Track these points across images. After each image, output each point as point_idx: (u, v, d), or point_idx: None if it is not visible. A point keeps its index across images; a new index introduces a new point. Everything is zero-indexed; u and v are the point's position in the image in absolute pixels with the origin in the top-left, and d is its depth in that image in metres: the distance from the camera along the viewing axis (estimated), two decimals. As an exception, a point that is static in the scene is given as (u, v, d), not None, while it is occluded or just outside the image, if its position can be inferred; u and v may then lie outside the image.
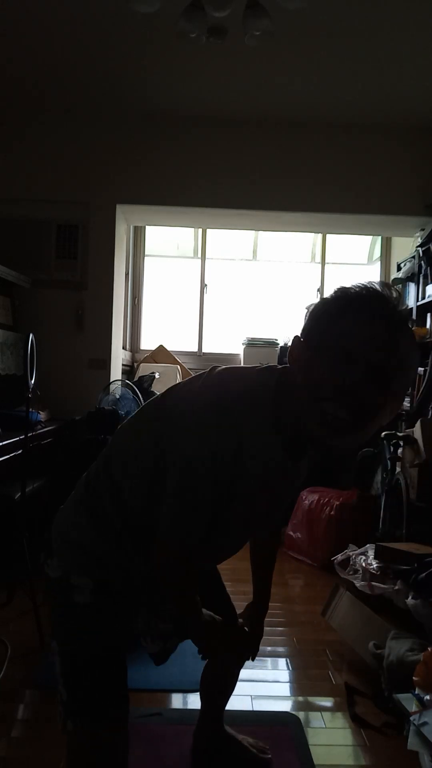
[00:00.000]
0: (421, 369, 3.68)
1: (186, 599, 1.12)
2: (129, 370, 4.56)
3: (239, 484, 0.99)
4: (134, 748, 1.68)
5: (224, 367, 1.05)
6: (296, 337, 0.97)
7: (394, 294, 0.92)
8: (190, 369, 4.44)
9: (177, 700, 1.92)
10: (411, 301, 3.99)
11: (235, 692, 1.59)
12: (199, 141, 3.66)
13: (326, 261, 4.83)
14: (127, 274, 4.41)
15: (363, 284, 0.93)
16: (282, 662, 2.23)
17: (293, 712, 1.88)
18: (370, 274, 4.91)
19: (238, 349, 4.58)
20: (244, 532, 1.19)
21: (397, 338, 0.89)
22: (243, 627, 1.36)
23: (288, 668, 2.19)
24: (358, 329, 0.89)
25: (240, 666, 1.50)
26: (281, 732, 1.76)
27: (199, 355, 4.79)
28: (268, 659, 2.22)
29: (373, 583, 2.22)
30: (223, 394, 0.97)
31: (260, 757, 1.59)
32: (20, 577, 2.47)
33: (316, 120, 3.70)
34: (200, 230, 4.77)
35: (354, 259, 5.01)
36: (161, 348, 4.53)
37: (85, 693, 1.14)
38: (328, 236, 4.79)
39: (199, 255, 4.81)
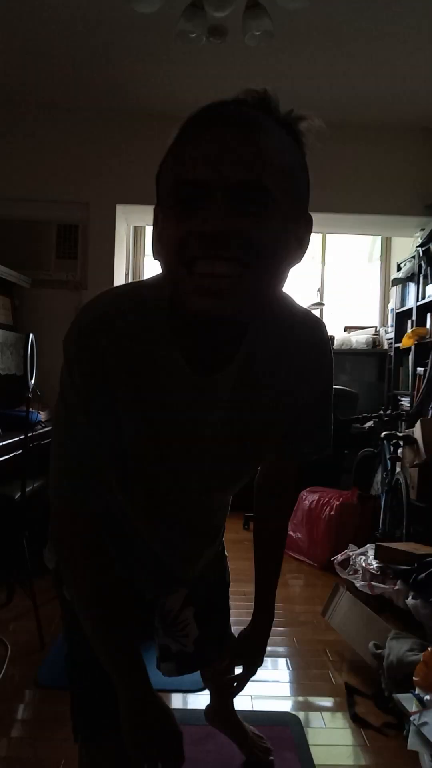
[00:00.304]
0: (420, 369, 3.68)
1: (92, 593, 0.82)
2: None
3: (135, 414, 0.79)
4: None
5: None
6: (155, 210, 0.75)
7: (254, 96, 0.71)
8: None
9: (177, 700, 1.92)
10: (411, 301, 4.00)
11: (235, 692, 1.59)
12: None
13: (326, 261, 4.84)
14: (127, 274, 4.41)
15: None
16: (282, 662, 2.22)
17: (293, 712, 1.88)
18: (370, 275, 4.91)
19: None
20: (186, 488, 0.89)
21: (219, 127, 0.66)
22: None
23: (288, 668, 2.19)
24: (179, 142, 0.69)
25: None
26: (281, 732, 1.76)
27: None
28: (268, 659, 2.22)
29: (373, 583, 2.22)
30: (84, 312, 0.78)
31: (263, 760, 1.57)
32: (20, 577, 2.47)
33: (316, 120, 3.70)
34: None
35: (354, 259, 5.02)
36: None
37: (83, 702, 0.98)
38: (328, 236, 4.79)
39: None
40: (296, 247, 0.73)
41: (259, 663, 1.17)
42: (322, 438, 0.94)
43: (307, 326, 0.86)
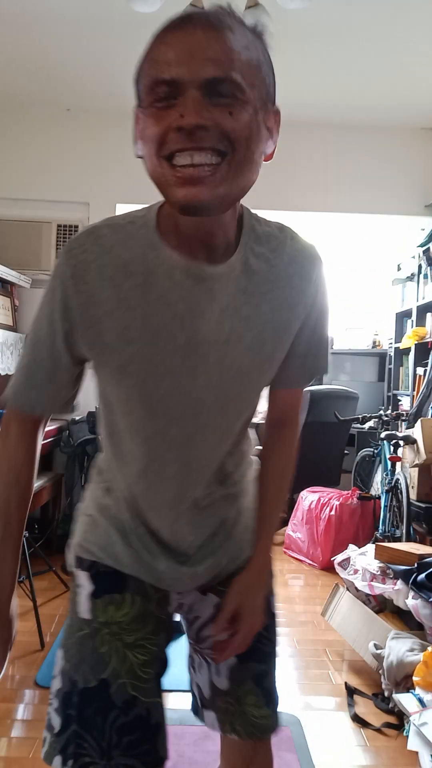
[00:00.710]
0: (420, 369, 3.69)
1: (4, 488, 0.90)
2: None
3: (131, 320, 0.79)
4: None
5: None
6: (135, 110, 0.78)
7: (220, 7, 0.74)
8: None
9: (177, 700, 1.92)
10: (411, 302, 4.00)
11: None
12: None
13: (326, 261, 4.83)
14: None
15: None
16: (282, 662, 2.22)
17: (293, 712, 1.88)
18: (370, 275, 4.91)
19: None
20: (183, 407, 0.84)
21: (188, 29, 0.70)
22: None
23: (288, 668, 2.19)
24: (154, 47, 0.73)
25: None
26: (281, 732, 1.76)
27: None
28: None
29: (373, 583, 2.22)
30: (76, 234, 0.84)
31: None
32: (20, 577, 2.47)
33: (316, 120, 3.71)
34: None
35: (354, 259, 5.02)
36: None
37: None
38: (328, 236, 4.79)
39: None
40: (267, 137, 0.77)
41: (255, 617, 0.95)
42: (321, 359, 0.95)
43: (301, 244, 0.89)
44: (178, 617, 1.02)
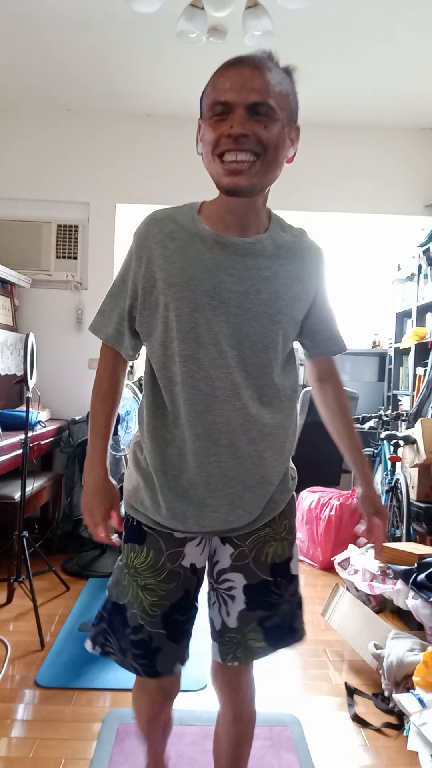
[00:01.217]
0: (420, 369, 3.69)
1: (95, 396, 1.22)
2: (129, 371, 4.56)
3: (166, 269, 1.09)
4: (134, 747, 1.68)
5: None
6: (198, 122, 1.10)
7: (264, 53, 1.08)
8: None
9: (176, 700, 1.92)
10: (411, 302, 4.00)
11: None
12: (199, 141, 3.66)
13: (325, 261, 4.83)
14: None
15: None
16: (282, 662, 2.23)
17: (293, 712, 1.88)
18: (370, 275, 4.91)
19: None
20: (208, 336, 1.08)
21: (241, 68, 1.03)
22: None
23: (288, 668, 2.19)
24: (215, 78, 1.06)
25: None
26: (281, 732, 1.76)
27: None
28: (268, 659, 2.22)
29: (373, 583, 2.22)
30: None
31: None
32: (20, 577, 2.47)
33: (316, 120, 3.71)
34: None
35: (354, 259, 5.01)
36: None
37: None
38: (328, 236, 4.79)
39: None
40: (289, 145, 1.09)
41: (385, 512, 1.36)
42: (339, 335, 1.25)
43: (311, 241, 1.19)
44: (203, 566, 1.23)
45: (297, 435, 1.28)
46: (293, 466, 1.25)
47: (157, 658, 1.16)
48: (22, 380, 2.56)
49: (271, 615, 1.20)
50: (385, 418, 3.52)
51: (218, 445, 1.09)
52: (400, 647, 1.90)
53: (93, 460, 1.19)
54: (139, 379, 3.87)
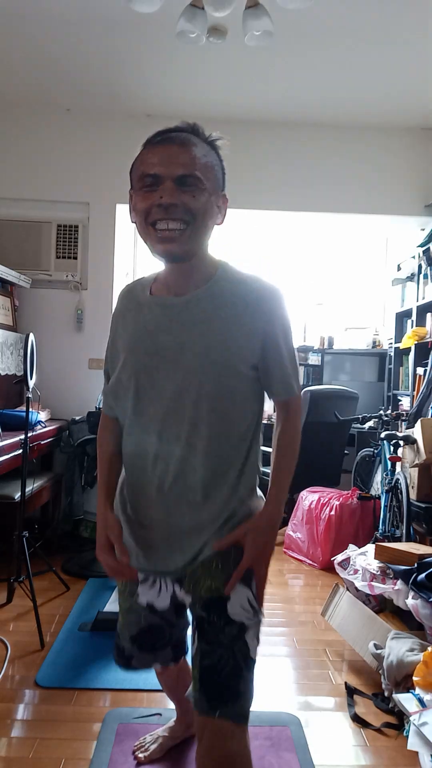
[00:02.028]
0: (420, 369, 3.68)
1: (99, 454, 1.29)
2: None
3: (123, 338, 1.21)
4: (133, 747, 1.68)
5: None
6: (129, 192, 1.17)
7: (189, 126, 1.13)
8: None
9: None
10: (411, 301, 4.00)
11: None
12: (199, 141, 3.66)
13: (326, 261, 4.83)
14: (127, 274, 4.41)
15: None
16: (282, 662, 2.23)
17: (293, 712, 1.88)
18: (370, 275, 4.91)
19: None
20: (154, 392, 1.15)
21: (167, 145, 1.09)
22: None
23: (288, 668, 2.19)
24: (143, 153, 1.13)
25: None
26: (281, 732, 1.76)
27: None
28: (268, 659, 2.22)
29: (373, 583, 2.22)
30: None
31: None
32: (20, 577, 2.47)
33: (316, 120, 3.71)
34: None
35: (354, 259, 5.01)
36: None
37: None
38: (328, 236, 4.79)
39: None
40: (217, 212, 1.15)
41: (262, 554, 1.16)
42: (288, 380, 1.20)
43: (263, 285, 1.17)
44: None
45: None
46: (261, 496, 1.24)
47: (131, 661, 1.35)
48: (22, 380, 2.56)
49: (209, 652, 1.13)
50: (385, 418, 3.51)
51: (159, 491, 1.17)
52: (400, 647, 1.90)
53: (98, 502, 1.26)
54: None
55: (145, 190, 1.09)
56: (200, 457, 1.14)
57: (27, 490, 2.64)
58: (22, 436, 2.62)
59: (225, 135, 1.17)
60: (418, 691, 1.67)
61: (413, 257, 3.95)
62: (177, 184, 1.07)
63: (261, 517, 1.18)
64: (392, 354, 4.31)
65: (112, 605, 2.60)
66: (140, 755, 1.63)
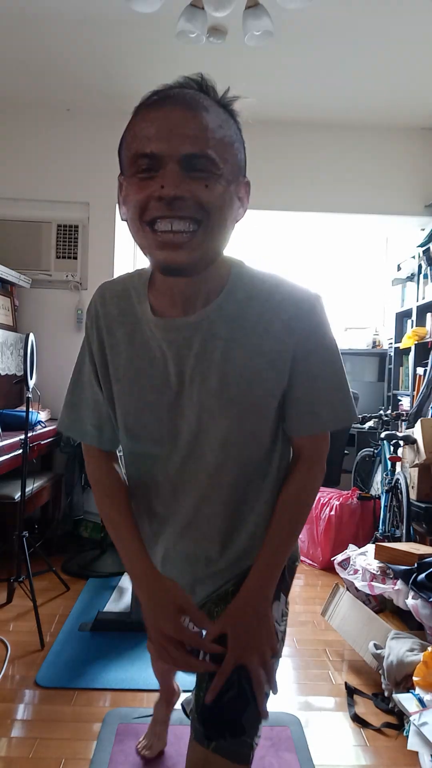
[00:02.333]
0: (420, 369, 3.68)
1: (104, 506, 1.01)
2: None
3: (116, 361, 0.96)
4: (133, 747, 1.68)
5: None
6: (119, 178, 0.87)
7: (196, 82, 0.83)
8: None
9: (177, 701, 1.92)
10: (411, 301, 4.00)
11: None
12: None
13: (326, 261, 4.83)
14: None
15: None
16: (282, 662, 2.22)
17: (293, 712, 1.88)
18: (370, 275, 4.91)
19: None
20: (161, 433, 0.95)
21: (168, 108, 0.78)
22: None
23: (288, 668, 2.19)
24: (135, 122, 0.81)
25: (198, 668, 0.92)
26: (281, 732, 1.76)
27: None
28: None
29: (373, 583, 2.22)
30: None
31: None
32: (20, 577, 2.47)
33: (316, 120, 3.70)
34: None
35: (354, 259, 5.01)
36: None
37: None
38: (328, 236, 4.79)
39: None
40: (238, 206, 0.86)
41: (252, 648, 0.89)
42: (325, 409, 0.93)
43: (289, 294, 0.90)
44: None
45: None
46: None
47: None
48: (22, 380, 2.56)
49: (211, 708, 0.90)
50: (385, 418, 3.51)
51: (169, 539, 1.01)
52: (400, 647, 1.90)
53: (133, 564, 0.96)
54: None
55: (139, 177, 0.79)
56: (218, 508, 0.96)
57: (27, 490, 2.64)
58: (22, 436, 2.62)
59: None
60: (418, 691, 1.67)
61: (413, 257, 3.94)
62: (184, 168, 0.77)
63: (245, 601, 0.92)
64: (392, 354, 4.31)
65: (112, 605, 2.60)
66: (146, 753, 1.64)
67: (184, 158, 0.77)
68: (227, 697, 0.88)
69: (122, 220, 0.85)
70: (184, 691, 1.72)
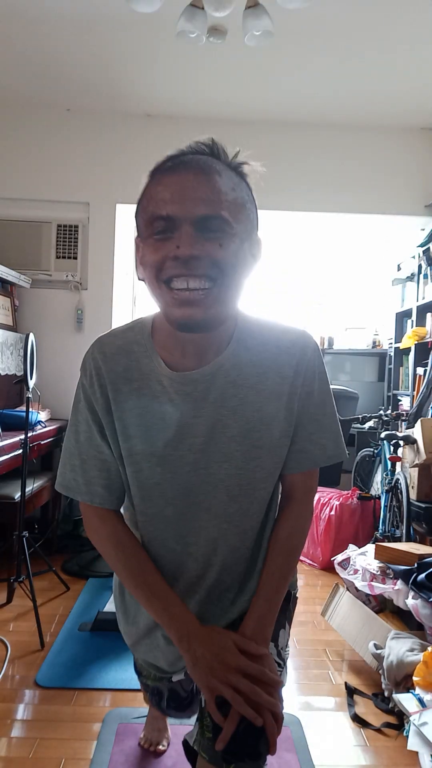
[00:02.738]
0: (420, 369, 3.68)
1: (131, 568, 0.97)
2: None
3: (131, 416, 0.94)
4: (133, 747, 1.68)
5: None
6: (135, 240, 0.91)
7: (207, 146, 0.87)
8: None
9: (177, 700, 1.92)
10: (411, 301, 4.00)
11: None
12: (199, 141, 3.66)
13: (326, 261, 4.83)
14: (126, 274, 4.42)
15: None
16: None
17: (293, 712, 1.88)
18: (370, 275, 4.91)
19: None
20: (174, 490, 0.96)
21: (181, 173, 0.82)
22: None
23: (288, 668, 2.19)
24: (151, 187, 0.85)
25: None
26: (281, 732, 1.76)
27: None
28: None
29: (373, 583, 2.22)
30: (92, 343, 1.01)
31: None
32: (20, 577, 2.47)
33: (316, 120, 3.70)
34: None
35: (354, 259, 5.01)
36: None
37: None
38: (328, 236, 4.79)
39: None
40: (251, 262, 0.89)
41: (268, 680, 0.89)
42: (318, 447, 0.99)
43: (291, 337, 0.96)
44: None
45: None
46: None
47: (167, 712, 1.31)
48: (22, 380, 2.56)
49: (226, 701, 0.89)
50: (385, 418, 3.51)
51: (189, 599, 1.00)
52: (400, 647, 1.90)
53: (178, 623, 0.93)
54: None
55: (156, 238, 0.83)
56: (242, 552, 0.98)
57: (27, 490, 2.64)
58: (22, 436, 2.62)
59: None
60: (418, 691, 1.67)
61: (413, 257, 3.95)
62: (198, 230, 0.81)
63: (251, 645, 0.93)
64: (392, 354, 4.31)
65: (112, 605, 2.60)
66: (160, 747, 1.65)
67: (198, 220, 0.81)
68: (245, 723, 0.87)
69: (139, 279, 0.89)
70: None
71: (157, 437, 0.93)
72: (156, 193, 0.83)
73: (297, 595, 1.12)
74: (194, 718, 1.14)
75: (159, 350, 0.94)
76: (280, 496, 1.05)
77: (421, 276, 3.81)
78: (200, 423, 0.92)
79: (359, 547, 2.56)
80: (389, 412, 3.61)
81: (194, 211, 0.81)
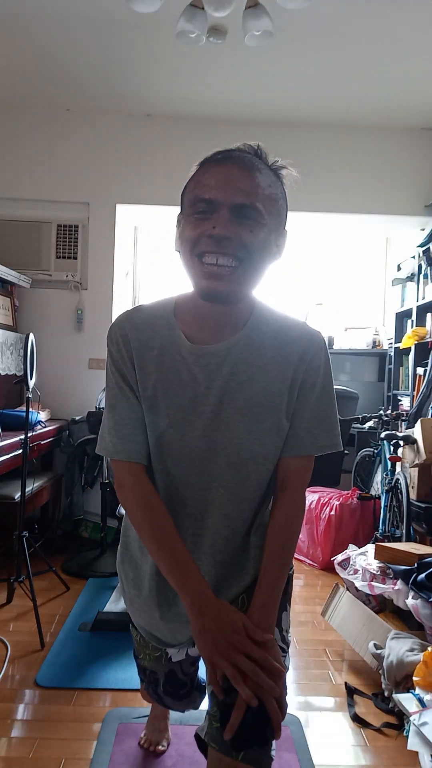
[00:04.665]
0: (420, 369, 3.68)
1: (160, 529, 1.02)
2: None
3: (152, 380, 1.03)
4: (133, 747, 1.69)
5: None
6: (178, 216, 1.03)
7: (252, 149, 0.99)
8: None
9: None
10: (411, 301, 4.00)
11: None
12: (199, 141, 3.66)
13: (326, 261, 4.83)
14: (127, 274, 4.42)
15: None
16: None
17: (293, 712, 1.88)
18: (370, 275, 4.91)
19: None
20: (180, 452, 1.04)
21: (228, 166, 0.94)
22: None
23: (288, 668, 2.19)
24: (200, 173, 0.98)
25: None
26: (281, 732, 1.76)
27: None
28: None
29: (373, 583, 2.22)
30: (117, 317, 1.10)
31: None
32: (20, 577, 2.47)
33: (317, 120, 3.71)
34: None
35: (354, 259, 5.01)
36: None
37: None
38: (328, 236, 4.79)
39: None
40: (275, 251, 1.02)
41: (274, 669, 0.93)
42: (321, 437, 1.08)
43: (304, 330, 1.07)
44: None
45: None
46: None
47: (163, 701, 1.39)
48: (22, 380, 2.56)
49: (232, 688, 0.92)
50: (385, 418, 3.51)
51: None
52: (400, 647, 1.90)
53: (193, 588, 0.98)
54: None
55: (196, 217, 0.95)
56: (237, 525, 1.06)
57: (27, 490, 2.64)
58: (22, 436, 2.62)
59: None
60: (418, 691, 1.67)
61: (413, 257, 3.94)
62: (233, 215, 0.93)
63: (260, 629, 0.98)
64: (392, 354, 4.31)
65: (112, 605, 2.60)
66: (160, 747, 1.66)
67: (235, 207, 0.93)
68: (252, 711, 0.91)
69: (175, 251, 1.02)
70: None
71: (173, 402, 1.02)
72: (203, 179, 0.96)
73: (292, 572, 1.17)
74: (193, 716, 1.18)
75: (180, 325, 1.04)
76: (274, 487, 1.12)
77: (421, 276, 3.81)
78: (211, 393, 1.02)
79: (359, 547, 2.57)
80: (389, 412, 3.61)
81: (233, 198, 0.93)
